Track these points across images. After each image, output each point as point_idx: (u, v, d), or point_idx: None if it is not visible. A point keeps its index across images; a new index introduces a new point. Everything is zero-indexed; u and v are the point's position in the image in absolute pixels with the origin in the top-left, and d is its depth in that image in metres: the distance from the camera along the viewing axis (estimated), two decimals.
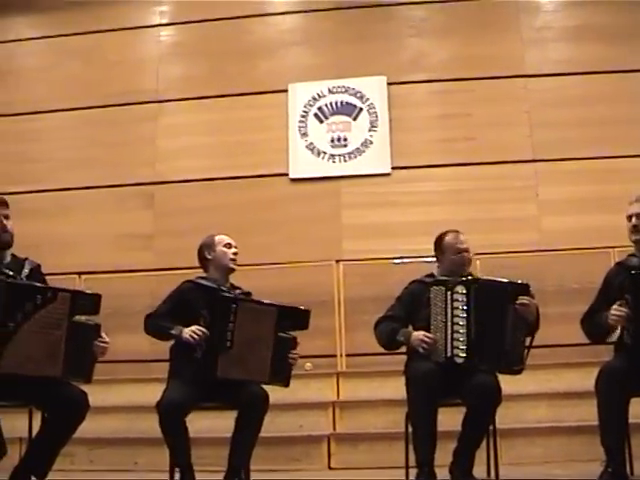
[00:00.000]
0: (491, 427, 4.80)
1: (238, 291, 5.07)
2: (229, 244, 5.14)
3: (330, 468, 6.37)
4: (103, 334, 4.24)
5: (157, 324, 4.93)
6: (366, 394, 7.14)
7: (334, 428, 6.86)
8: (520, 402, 6.54)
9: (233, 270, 5.14)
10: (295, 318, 4.89)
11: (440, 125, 8.83)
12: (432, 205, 8.48)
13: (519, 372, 4.73)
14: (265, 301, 4.86)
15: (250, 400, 4.69)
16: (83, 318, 4.15)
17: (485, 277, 5.01)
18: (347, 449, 6.46)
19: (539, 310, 4.79)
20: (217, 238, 5.18)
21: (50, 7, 9.75)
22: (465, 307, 4.72)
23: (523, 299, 4.66)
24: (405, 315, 5.04)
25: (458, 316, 4.73)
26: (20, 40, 9.80)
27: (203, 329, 4.69)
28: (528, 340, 4.77)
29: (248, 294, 5.09)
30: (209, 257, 5.14)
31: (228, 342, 4.63)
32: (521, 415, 6.54)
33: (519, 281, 4.75)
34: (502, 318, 4.65)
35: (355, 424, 6.86)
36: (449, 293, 4.77)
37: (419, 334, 4.78)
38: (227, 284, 5.11)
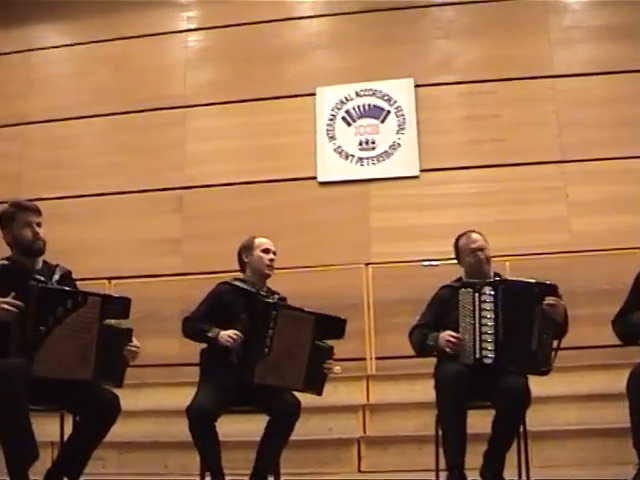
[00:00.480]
0: (521, 429, 4.77)
1: (276, 296, 5.08)
2: (267, 249, 5.12)
3: (360, 471, 6.37)
4: (134, 339, 4.27)
5: (194, 327, 4.92)
6: (396, 397, 7.12)
7: (364, 431, 6.85)
8: (550, 404, 6.51)
9: (269, 275, 5.14)
10: (332, 327, 4.89)
11: (468, 127, 8.79)
12: (461, 207, 8.44)
13: (546, 373, 4.70)
14: (304, 308, 4.86)
15: (283, 408, 4.68)
16: (113, 322, 4.20)
17: (513, 278, 4.98)
18: (377, 452, 6.45)
19: (567, 312, 4.75)
20: (257, 241, 5.16)
21: (79, 15, 9.84)
22: (493, 308, 4.70)
23: (550, 299, 4.63)
24: (435, 320, 5.01)
25: (486, 317, 4.70)
26: (50, 48, 9.92)
27: (239, 333, 4.70)
28: (556, 343, 4.74)
29: (284, 299, 5.10)
30: (246, 260, 5.14)
31: (266, 348, 4.63)
32: (551, 417, 6.50)
33: (547, 281, 4.72)
34: (529, 318, 4.62)
35: (385, 427, 6.84)
36: (477, 295, 4.74)
37: (445, 334, 4.75)
38: (264, 288, 5.11)
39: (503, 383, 4.59)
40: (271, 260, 5.10)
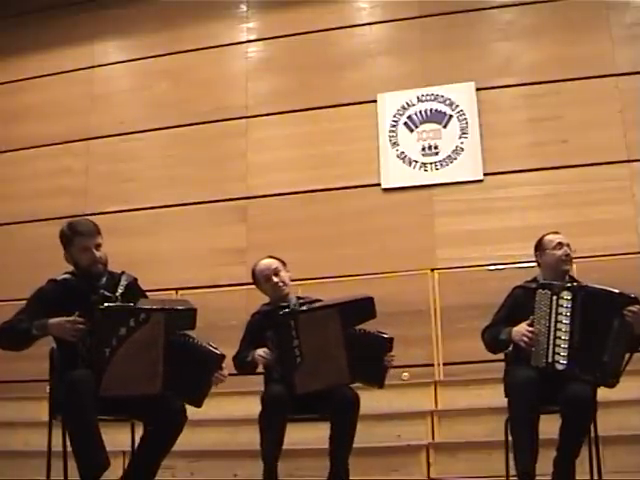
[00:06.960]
0: (593, 434, 4.70)
1: (301, 301, 5.07)
2: (268, 276, 5.10)
3: (429, 478, 6.32)
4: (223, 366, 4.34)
5: (240, 359, 4.97)
6: (464, 403, 7.06)
7: (433, 437, 6.79)
8: (623, 408, 6.38)
9: (282, 295, 5.10)
10: (360, 310, 4.79)
11: (531, 129, 8.69)
12: (526, 210, 8.36)
13: (613, 386, 4.64)
14: (327, 303, 4.84)
15: (339, 404, 4.67)
16: (187, 335, 4.25)
17: (593, 285, 4.87)
18: (446, 458, 6.38)
19: None
20: (257, 271, 5.18)
21: (139, 30, 10.02)
22: (570, 313, 4.64)
23: (633, 307, 4.54)
24: (507, 319, 4.94)
25: (562, 322, 4.64)
26: (112, 64, 10.09)
27: (267, 350, 4.75)
28: (627, 356, 4.66)
29: (315, 302, 5.03)
30: (260, 288, 5.19)
31: (297, 358, 4.63)
32: (624, 422, 6.38)
33: (632, 295, 4.62)
34: (606, 328, 4.56)
35: (454, 433, 6.77)
36: (555, 298, 4.68)
37: (520, 328, 4.71)
38: (293, 301, 5.08)
39: (568, 391, 4.52)
40: (275, 283, 5.07)
